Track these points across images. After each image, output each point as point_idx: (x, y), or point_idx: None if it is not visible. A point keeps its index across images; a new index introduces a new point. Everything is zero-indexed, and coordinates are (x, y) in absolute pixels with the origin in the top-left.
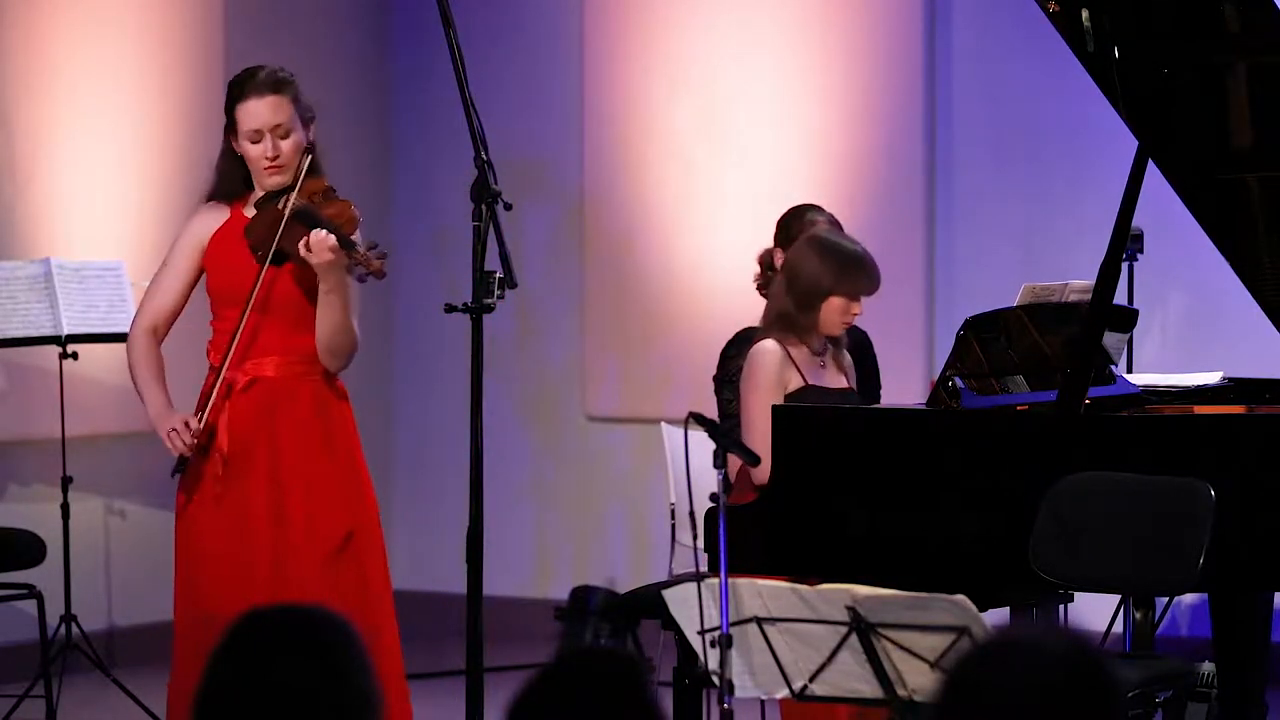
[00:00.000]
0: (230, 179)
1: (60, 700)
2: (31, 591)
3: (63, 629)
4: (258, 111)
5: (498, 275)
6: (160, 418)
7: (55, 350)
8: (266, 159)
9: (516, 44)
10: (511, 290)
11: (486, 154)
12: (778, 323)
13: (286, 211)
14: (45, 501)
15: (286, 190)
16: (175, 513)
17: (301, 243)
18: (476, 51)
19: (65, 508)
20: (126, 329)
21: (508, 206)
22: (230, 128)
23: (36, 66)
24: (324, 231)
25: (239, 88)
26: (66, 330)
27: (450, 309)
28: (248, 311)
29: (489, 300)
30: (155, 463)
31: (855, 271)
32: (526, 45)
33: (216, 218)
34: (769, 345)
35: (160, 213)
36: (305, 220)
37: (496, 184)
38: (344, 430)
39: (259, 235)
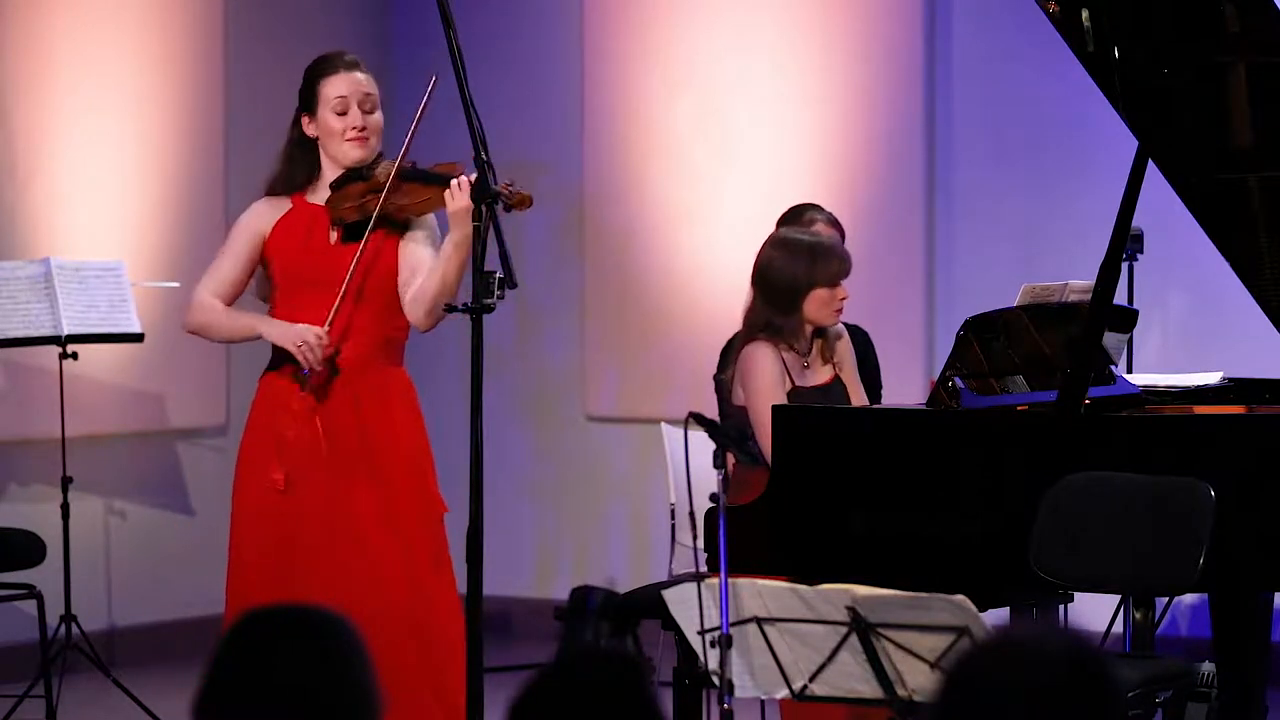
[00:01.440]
0: (300, 167)
1: (60, 700)
2: (31, 591)
3: (63, 629)
4: (344, 81)
5: (498, 275)
6: (286, 331)
7: (55, 350)
8: (353, 129)
9: (516, 44)
10: (511, 290)
11: (486, 154)
12: (762, 330)
13: (393, 173)
14: (45, 501)
15: (364, 168)
16: (242, 500)
17: (450, 188)
18: (476, 51)
19: (65, 508)
20: (127, 329)
21: (507, 208)
22: (308, 109)
23: (36, 66)
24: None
25: (322, 64)
26: (66, 330)
27: (450, 309)
28: (347, 284)
29: (489, 300)
30: (155, 463)
31: (825, 257)
32: (526, 45)
33: (277, 208)
34: (762, 345)
35: (160, 213)
36: (414, 178)
37: (496, 184)
38: (417, 418)
39: (350, 207)
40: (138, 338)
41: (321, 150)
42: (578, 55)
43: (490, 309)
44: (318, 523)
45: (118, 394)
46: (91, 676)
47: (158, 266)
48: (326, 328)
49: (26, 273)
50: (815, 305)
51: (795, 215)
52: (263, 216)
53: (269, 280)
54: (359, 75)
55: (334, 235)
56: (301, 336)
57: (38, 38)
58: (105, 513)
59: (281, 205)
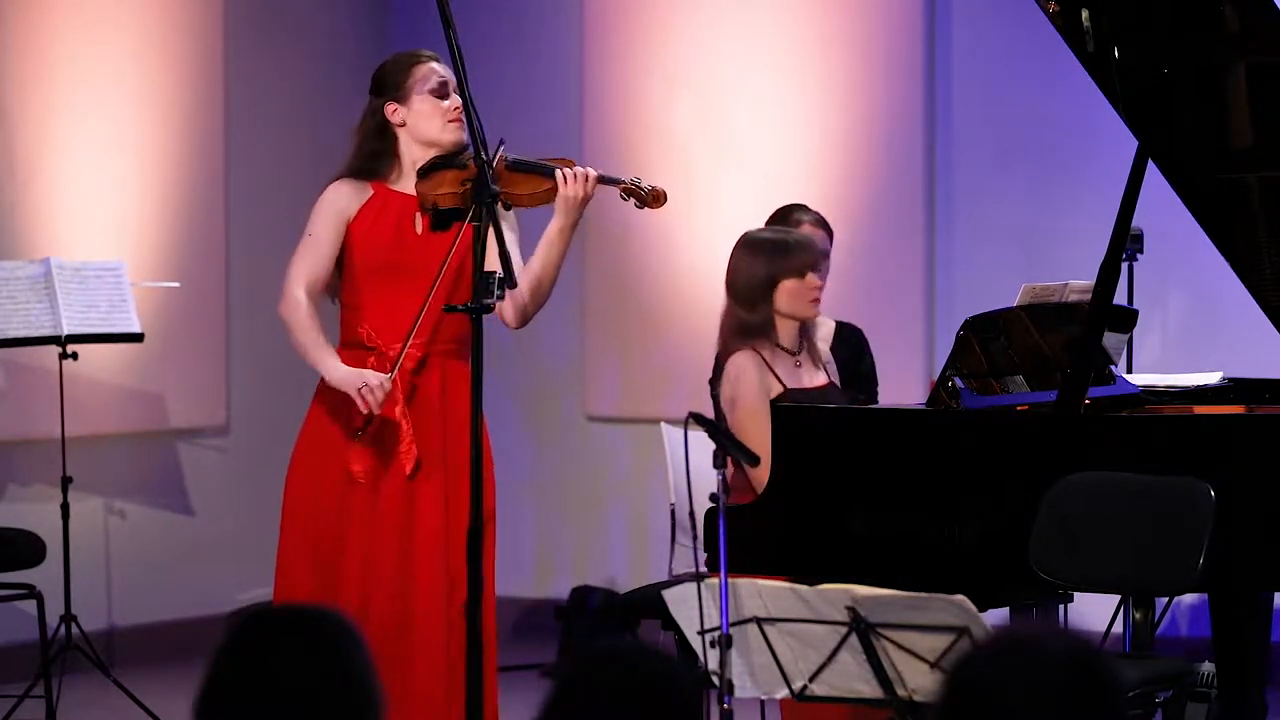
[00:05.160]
0: (379, 154)
1: (60, 700)
2: (31, 591)
3: (63, 629)
4: (439, 67)
5: (498, 275)
6: (348, 376)
7: (55, 350)
8: (455, 109)
9: (516, 44)
10: (511, 290)
11: (487, 154)
12: (737, 335)
13: (496, 161)
14: (45, 501)
15: (453, 156)
16: (303, 491)
17: (561, 175)
18: (476, 51)
19: (65, 508)
20: (126, 329)
21: (507, 206)
22: (395, 96)
23: (36, 66)
24: (579, 168)
25: (409, 55)
26: (66, 330)
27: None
28: (441, 275)
29: (489, 300)
30: (155, 463)
31: (786, 250)
32: (526, 45)
33: (359, 191)
34: (744, 357)
35: (160, 213)
36: (525, 168)
37: (496, 184)
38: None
39: (446, 194)
40: (137, 338)
41: (404, 138)
42: (578, 55)
43: (490, 309)
44: (393, 516)
45: (118, 394)
46: (91, 676)
47: (158, 266)
48: (393, 374)
49: (26, 273)
50: (786, 298)
51: (783, 216)
52: (348, 198)
53: (344, 267)
54: (442, 64)
55: (420, 223)
56: (363, 381)
57: (38, 38)
58: (105, 513)
59: (363, 189)
